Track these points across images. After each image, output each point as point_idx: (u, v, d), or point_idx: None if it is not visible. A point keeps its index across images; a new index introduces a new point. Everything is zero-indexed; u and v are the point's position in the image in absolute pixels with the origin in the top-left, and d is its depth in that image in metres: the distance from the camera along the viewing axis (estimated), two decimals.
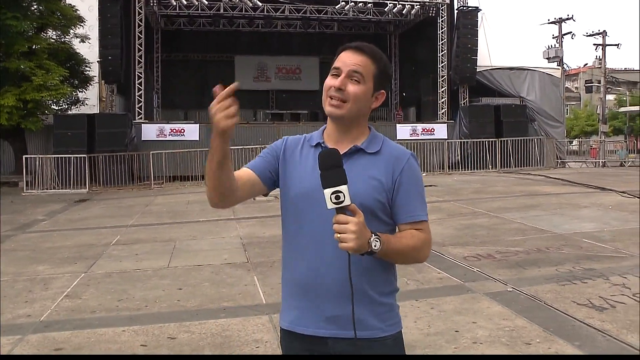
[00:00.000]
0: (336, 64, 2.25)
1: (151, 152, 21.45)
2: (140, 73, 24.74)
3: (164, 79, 30.96)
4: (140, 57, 24.80)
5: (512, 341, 5.13)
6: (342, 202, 1.96)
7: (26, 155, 22.16)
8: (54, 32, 25.88)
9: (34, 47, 23.80)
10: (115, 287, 7.32)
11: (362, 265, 2.15)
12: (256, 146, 19.65)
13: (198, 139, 22.88)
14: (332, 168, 2.00)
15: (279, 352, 5.00)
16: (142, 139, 23.32)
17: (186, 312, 6.27)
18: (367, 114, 2.30)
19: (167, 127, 23.63)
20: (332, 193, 1.96)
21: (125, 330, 5.76)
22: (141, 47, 24.85)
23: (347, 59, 2.23)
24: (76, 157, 20.98)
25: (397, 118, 30.77)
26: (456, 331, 5.44)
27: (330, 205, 1.97)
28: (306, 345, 2.25)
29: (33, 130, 23.37)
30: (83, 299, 6.94)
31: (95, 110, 26.12)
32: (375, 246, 2.02)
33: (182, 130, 23.35)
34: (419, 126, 26.61)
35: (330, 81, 2.24)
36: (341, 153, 2.12)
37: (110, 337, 5.58)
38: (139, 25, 24.91)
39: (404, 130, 26.24)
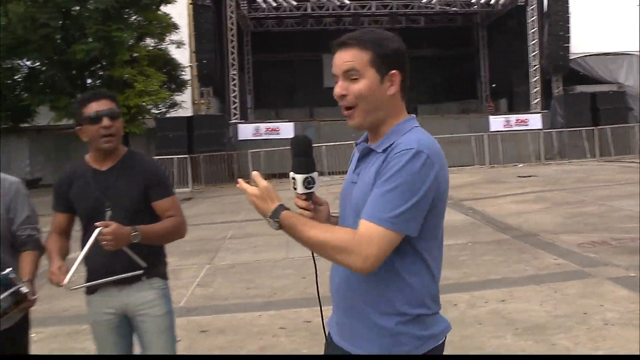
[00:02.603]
0: (332, 70, 2.07)
1: (249, 151, 22.13)
2: (234, 75, 25.56)
3: (256, 79, 31.77)
4: (233, 59, 25.61)
5: None
6: (312, 188, 2.06)
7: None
8: (151, 40, 27.06)
9: (134, 55, 24.98)
10: (241, 277, 7.76)
11: (355, 277, 2.01)
12: (349, 142, 19.93)
13: (293, 136, 23.30)
14: (303, 155, 2.05)
15: None
16: (239, 138, 24.08)
17: (315, 299, 6.58)
18: (388, 105, 2.03)
19: (263, 126, 24.30)
20: (305, 179, 2.04)
21: (261, 314, 6.15)
22: (234, 50, 25.66)
23: (336, 61, 2.03)
24: (178, 157, 21.91)
25: (488, 110, 30.44)
26: (584, 313, 5.52)
27: (301, 190, 2.05)
28: (329, 344, 2.21)
29: (137, 133, 24.51)
30: (214, 288, 7.41)
31: (189, 113, 27.14)
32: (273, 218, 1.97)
33: (277, 129, 23.94)
34: (513, 117, 26.24)
35: (334, 90, 2.06)
36: (358, 155, 2.11)
37: (249, 321, 5.97)
38: (231, 29, 25.71)
39: (497, 122, 25.95)
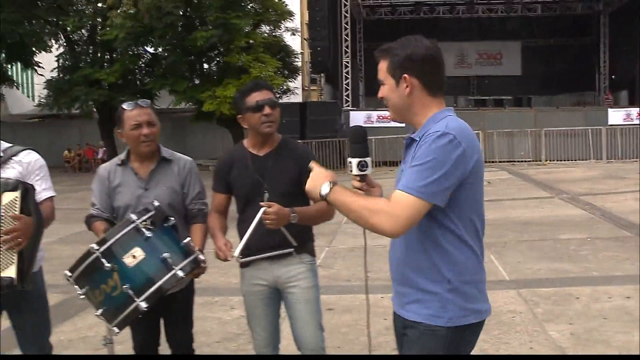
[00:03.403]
0: None
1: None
2: (347, 62, 25.84)
3: (367, 67, 31.92)
4: (346, 47, 25.89)
5: None
6: (365, 171, 2.37)
7: None
8: (267, 27, 27.79)
9: (250, 42, 25.75)
10: (360, 261, 8.00)
11: (404, 246, 2.32)
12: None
13: (404, 125, 23.35)
14: (358, 142, 2.37)
15: (532, 322, 5.34)
16: (351, 125, 24.33)
17: None
18: (409, 103, 2.30)
19: (375, 114, 24.46)
20: (359, 162, 2.36)
21: (383, 297, 6.36)
22: (347, 37, 25.93)
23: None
24: None
25: (606, 102, 29.23)
26: None
27: (356, 172, 2.37)
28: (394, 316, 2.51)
29: None
30: (335, 269, 7.71)
31: (299, 99, 27.71)
32: (323, 191, 2.27)
33: (389, 117, 24.03)
34: (634, 110, 24.95)
35: None
36: (404, 146, 2.38)
37: (373, 302, 6.15)
38: (345, 17, 25.98)
39: (616, 115, 24.86)
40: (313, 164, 2.41)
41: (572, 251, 8.07)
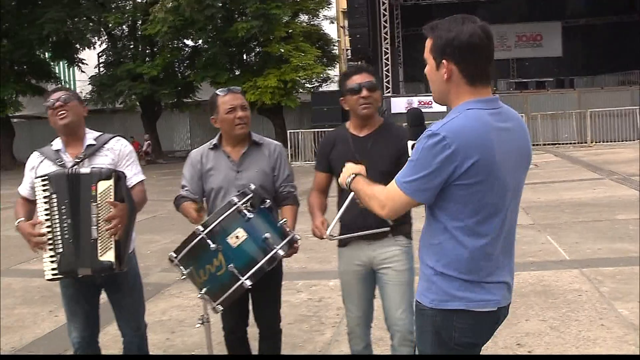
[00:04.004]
0: None
1: (404, 124, 22.23)
2: (387, 49, 25.79)
3: (405, 53, 31.78)
4: (386, 33, 25.83)
5: None
6: None
7: (290, 130, 24.20)
8: (305, 16, 27.89)
9: (289, 31, 25.89)
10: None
11: (423, 240, 2.39)
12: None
13: (445, 109, 23.27)
14: (417, 125, 2.41)
15: (599, 300, 5.37)
16: (392, 111, 24.32)
17: None
18: (445, 89, 2.26)
19: (415, 99, 24.38)
20: (412, 146, 2.36)
21: None
22: (386, 23, 25.86)
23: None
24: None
25: None
26: None
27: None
28: None
29: (292, 107, 25.46)
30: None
31: (334, 87, 27.72)
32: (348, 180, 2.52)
33: (430, 103, 23.86)
34: None
35: None
36: None
37: None
38: (383, 3, 25.90)
39: None
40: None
41: (632, 231, 8.03)
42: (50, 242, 3.27)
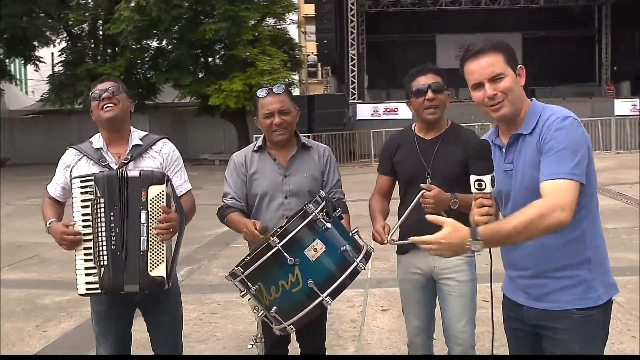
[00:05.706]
0: (470, 80, 2.36)
1: (371, 131, 22.17)
2: (354, 55, 25.70)
3: (369, 60, 31.78)
4: (352, 39, 25.74)
5: None
6: (484, 189, 2.21)
7: (256, 135, 23.82)
8: (272, 20, 27.58)
9: (257, 34, 25.53)
10: None
11: (541, 240, 2.28)
12: (474, 124, 19.64)
13: (412, 117, 23.28)
14: (486, 159, 2.22)
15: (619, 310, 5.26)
16: (357, 118, 24.21)
17: None
18: (522, 94, 2.38)
19: (381, 106, 24.34)
20: (476, 180, 2.21)
21: None
22: (353, 30, 25.79)
23: (478, 69, 2.32)
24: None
25: (608, 93, 29.25)
26: None
27: (489, 189, 2.21)
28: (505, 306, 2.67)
29: None
30: (391, 262, 7.61)
31: (297, 92, 27.54)
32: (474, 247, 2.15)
33: (396, 110, 23.88)
34: None
35: (478, 95, 2.35)
36: (505, 144, 2.40)
37: None
38: (351, 9, 25.82)
39: (622, 106, 24.85)
40: (435, 219, 2.30)
41: (625, 240, 8.04)
42: (88, 251, 2.94)
